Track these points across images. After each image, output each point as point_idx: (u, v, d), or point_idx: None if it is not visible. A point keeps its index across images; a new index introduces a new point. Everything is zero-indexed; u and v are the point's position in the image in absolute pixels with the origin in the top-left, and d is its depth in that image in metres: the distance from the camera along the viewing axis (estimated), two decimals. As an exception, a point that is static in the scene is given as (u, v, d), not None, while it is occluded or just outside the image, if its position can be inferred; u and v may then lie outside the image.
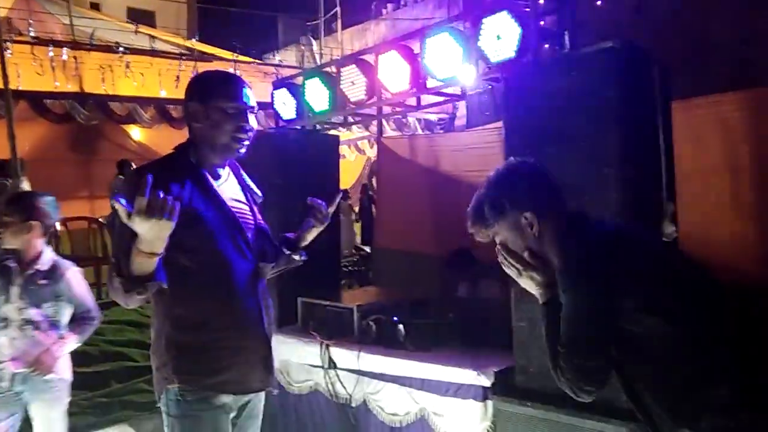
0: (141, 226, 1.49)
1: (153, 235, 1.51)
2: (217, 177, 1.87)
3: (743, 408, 1.35)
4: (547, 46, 2.89)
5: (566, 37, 2.59)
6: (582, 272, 1.47)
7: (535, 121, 2.34)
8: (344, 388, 2.97)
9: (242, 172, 2.00)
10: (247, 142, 1.85)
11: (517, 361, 2.42)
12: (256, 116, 1.90)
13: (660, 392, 1.46)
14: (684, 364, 1.40)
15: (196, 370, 1.75)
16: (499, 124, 4.42)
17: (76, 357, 2.75)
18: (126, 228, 1.51)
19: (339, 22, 12.83)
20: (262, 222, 1.97)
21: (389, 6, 13.45)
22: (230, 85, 1.84)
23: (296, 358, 3.20)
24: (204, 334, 1.77)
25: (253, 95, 1.86)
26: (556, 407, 2.24)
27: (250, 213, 1.92)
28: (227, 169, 1.93)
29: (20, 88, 5.86)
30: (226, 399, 1.79)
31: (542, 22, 3.07)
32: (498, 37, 2.54)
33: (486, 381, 2.45)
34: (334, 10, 12.57)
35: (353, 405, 2.94)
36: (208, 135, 1.82)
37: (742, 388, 1.37)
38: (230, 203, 1.85)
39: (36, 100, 6.29)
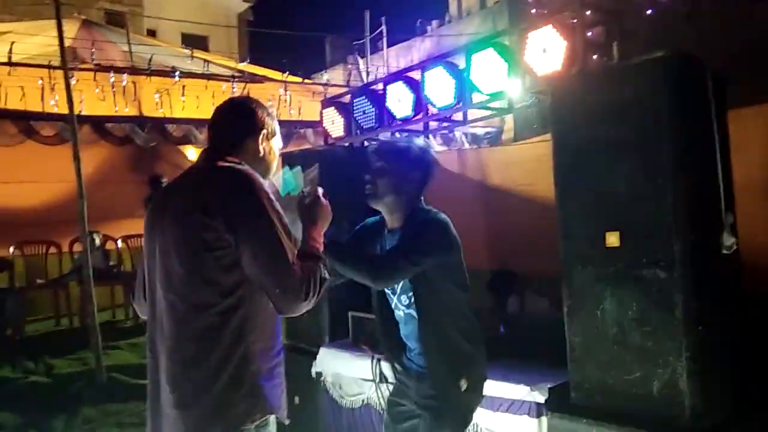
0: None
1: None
2: None
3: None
4: (595, 57, 2.87)
5: (615, 48, 2.57)
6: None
7: (585, 133, 2.32)
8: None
9: None
10: None
11: (571, 377, 2.38)
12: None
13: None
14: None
15: (277, 397, 1.72)
16: (548, 136, 4.39)
17: (139, 367, 2.85)
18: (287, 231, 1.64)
19: (384, 40, 12.97)
20: None
21: (434, 23, 13.53)
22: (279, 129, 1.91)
23: (348, 371, 3.24)
24: (273, 359, 1.72)
25: None
26: (614, 424, 2.20)
27: None
28: None
29: (83, 113, 6.17)
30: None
31: (589, 34, 3.05)
32: (544, 51, 2.54)
33: (540, 397, 2.41)
34: (380, 29, 12.73)
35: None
36: (258, 169, 1.79)
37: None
38: None
39: (98, 124, 6.61)
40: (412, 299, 2.19)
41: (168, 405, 1.66)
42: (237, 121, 1.82)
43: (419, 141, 2.32)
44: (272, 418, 1.73)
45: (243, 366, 1.62)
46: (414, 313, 2.21)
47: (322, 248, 1.76)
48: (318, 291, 1.62)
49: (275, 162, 1.88)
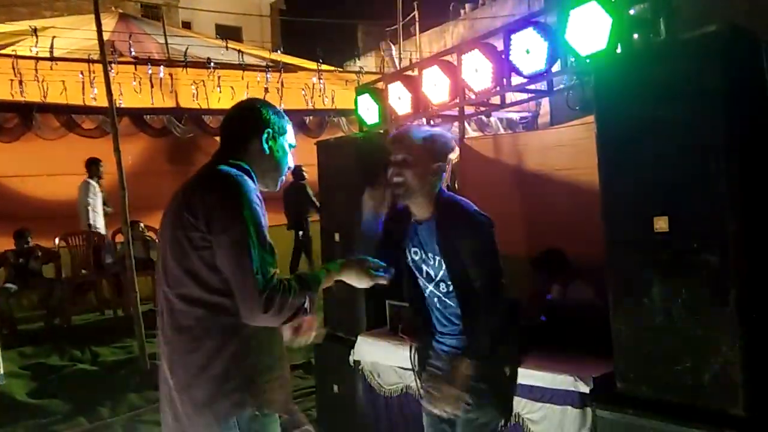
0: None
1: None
2: None
3: None
4: (636, 36, 2.76)
5: (662, 25, 2.46)
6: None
7: (631, 113, 2.22)
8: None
9: None
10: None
11: (617, 366, 2.30)
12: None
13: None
14: None
15: (270, 391, 1.75)
16: (588, 119, 4.25)
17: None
18: (265, 243, 1.65)
19: (417, 25, 12.85)
20: None
21: (467, 6, 13.32)
22: (290, 123, 1.95)
23: (386, 360, 3.22)
24: (272, 356, 1.77)
25: None
26: (661, 415, 2.12)
27: None
28: None
29: (122, 106, 6.29)
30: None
31: (632, 11, 2.93)
32: (587, 29, 2.45)
33: (584, 387, 2.36)
34: (412, 14, 12.60)
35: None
36: (269, 166, 1.87)
37: None
38: None
39: (137, 116, 6.73)
40: (451, 287, 2.16)
41: (171, 388, 1.77)
42: (241, 122, 1.89)
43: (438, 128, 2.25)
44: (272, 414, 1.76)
45: (235, 360, 1.69)
46: (451, 302, 2.18)
47: (320, 287, 1.78)
48: (285, 313, 1.63)
49: (285, 159, 1.92)
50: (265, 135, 1.85)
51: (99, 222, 7.10)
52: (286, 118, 1.95)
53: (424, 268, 2.22)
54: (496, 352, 2.12)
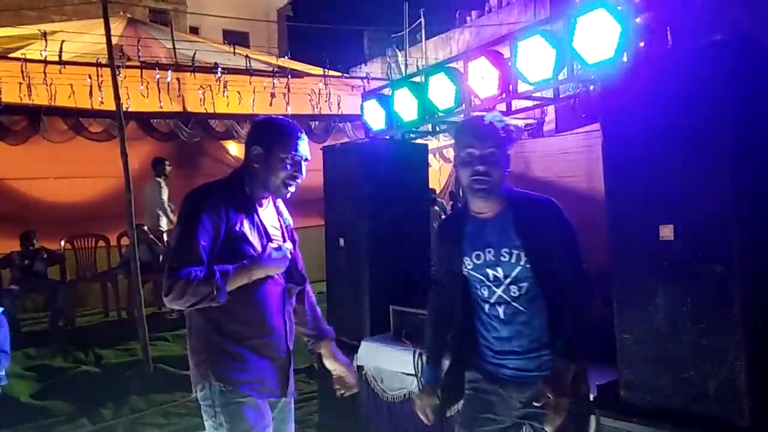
0: (278, 267, 2.03)
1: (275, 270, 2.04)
2: (260, 205, 2.13)
3: None
4: (642, 44, 2.77)
5: (668, 34, 2.47)
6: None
7: (637, 122, 2.22)
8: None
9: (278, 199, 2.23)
10: (293, 189, 2.11)
11: (621, 374, 2.29)
12: (307, 165, 2.14)
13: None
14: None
15: (230, 369, 2.00)
16: (592, 127, 4.25)
17: (184, 359, 2.90)
18: (189, 243, 1.89)
19: (423, 32, 12.89)
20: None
21: (473, 13, 13.37)
22: (291, 137, 2.08)
23: (390, 365, 3.22)
24: (240, 340, 2.02)
25: (307, 146, 2.12)
26: (666, 425, 2.11)
27: (281, 239, 2.16)
28: (269, 197, 2.18)
29: (130, 110, 6.32)
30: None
31: (638, 20, 2.94)
32: (595, 37, 2.45)
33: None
34: (418, 21, 12.65)
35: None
36: (264, 176, 2.07)
37: None
38: (269, 230, 2.12)
39: (144, 120, 6.76)
40: (524, 289, 2.01)
41: None
42: (247, 137, 2.15)
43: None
44: (239, 393, 2.00)
45: (202, 337, 2.02)
46: (521, 307, 2.03)
47: (229, 279, 1.93)
48: (187, 298, 1.89)
49: (280, 169, 2.06)
50: (254, 151, 2.06)
51: (166, 220, 7.20)
52: (291, 132, 2.08)
53: (492, 271, 2.04)
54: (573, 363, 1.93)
